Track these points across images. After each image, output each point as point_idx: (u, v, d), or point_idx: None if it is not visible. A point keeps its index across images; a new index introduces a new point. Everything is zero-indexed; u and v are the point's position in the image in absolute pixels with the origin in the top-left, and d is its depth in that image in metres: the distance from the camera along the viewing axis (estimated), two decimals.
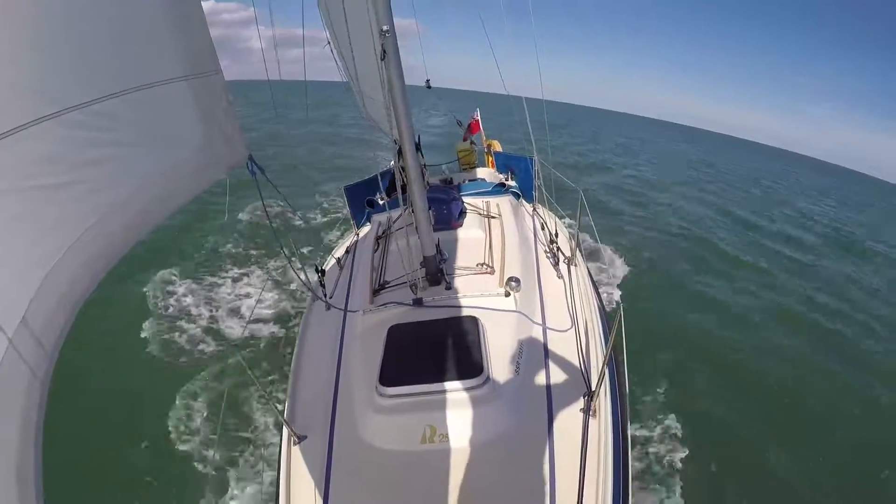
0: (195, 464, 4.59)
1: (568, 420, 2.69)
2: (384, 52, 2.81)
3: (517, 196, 5.77)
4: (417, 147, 3.34)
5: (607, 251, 9.76)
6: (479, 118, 9.46)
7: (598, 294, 4.14)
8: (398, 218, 4.24)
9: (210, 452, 4.62)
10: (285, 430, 2.80)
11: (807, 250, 15.53)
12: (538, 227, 5.13)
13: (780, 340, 8.25)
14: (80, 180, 1.41)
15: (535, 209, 5.63)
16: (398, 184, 3.49)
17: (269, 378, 5.61)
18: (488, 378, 2.72)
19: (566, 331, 3.43)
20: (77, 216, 1.41)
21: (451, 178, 7.06)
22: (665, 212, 16.93)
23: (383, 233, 4.66)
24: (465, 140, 8.92)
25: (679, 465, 4.94)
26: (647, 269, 10.34)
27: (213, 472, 4.43)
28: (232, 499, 4.29)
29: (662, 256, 11.64)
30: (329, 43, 3.71)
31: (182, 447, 4.76)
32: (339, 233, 8.84)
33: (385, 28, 2.77)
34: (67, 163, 1.37)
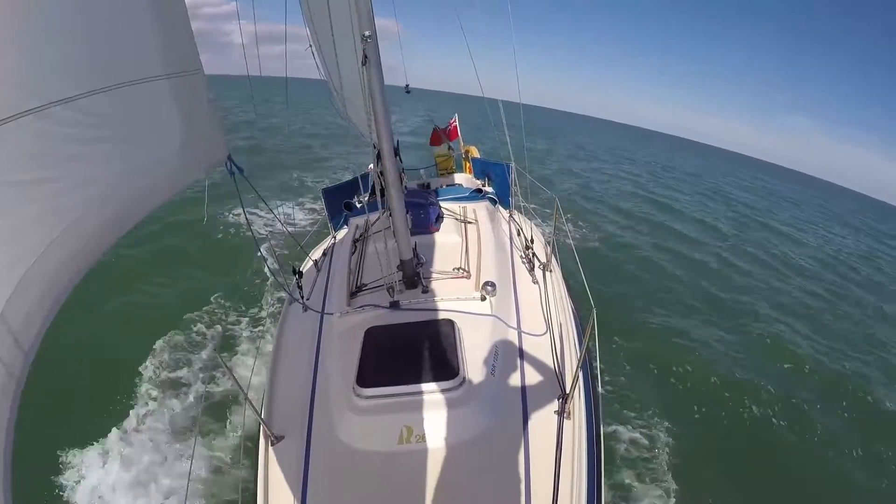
0: (172, 465, 4.53)
1: (543, 421, 2.74)
2: (366, 57, 2.83)
3: (494, 202, 5.82)
4: (396, 151, 3.37)
5: (581, 256, 9.92)
6: (457, 124, 9.49)
7: (573, 299, 4.20)
8: (376, 221, 4.25)
9: (187, 453, 4.55)
10: (263, 431, 2.80)
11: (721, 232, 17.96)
12: (514, 232, 5.18)
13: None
14: (62, 176, 1.41)
15: (511, 215, 5.68)
16: (377, 187, 3.52)
17: (247, 379, 5.57)
18: (464, 380, 2.76)
19: (541, 335, 3.49)
20: (57, 212, 1.40)
21: (429, 183, 7.09)
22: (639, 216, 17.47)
23: (361, 236, 4.67)
24: (437, 143, 8.95)
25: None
26: (619, 272, 10.70)
27: (191, 473, 4.39)
28: (211, 497, 4.24)
29: (635, 258, 12.09)
30: (311, 45, 3.71)
31: (157, 447, 4.69)
32: (316, 235, 8.82)
33: (367, 34, 2.79)
34: (49, 158, 1.36)
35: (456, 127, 9.46)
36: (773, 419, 6.41)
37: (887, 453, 6.16)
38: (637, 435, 5.45)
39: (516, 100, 5.35)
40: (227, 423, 4.98)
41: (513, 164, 5.97)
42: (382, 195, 3.49)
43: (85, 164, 1.50)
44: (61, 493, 4.25)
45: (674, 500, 4.73)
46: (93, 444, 4.67)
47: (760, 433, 6.14)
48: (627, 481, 4.86)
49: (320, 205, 6.57)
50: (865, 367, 8.69)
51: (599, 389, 2.97)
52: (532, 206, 5.80)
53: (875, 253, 23.04)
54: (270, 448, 2.74)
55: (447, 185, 6.56)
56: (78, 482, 4.35)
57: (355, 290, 3.83)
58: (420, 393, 2.70)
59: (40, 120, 1.30)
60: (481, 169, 7.86)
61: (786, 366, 8.07)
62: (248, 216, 2.92)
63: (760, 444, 5.90)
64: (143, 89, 1.74)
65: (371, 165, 3.54)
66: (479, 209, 5.19)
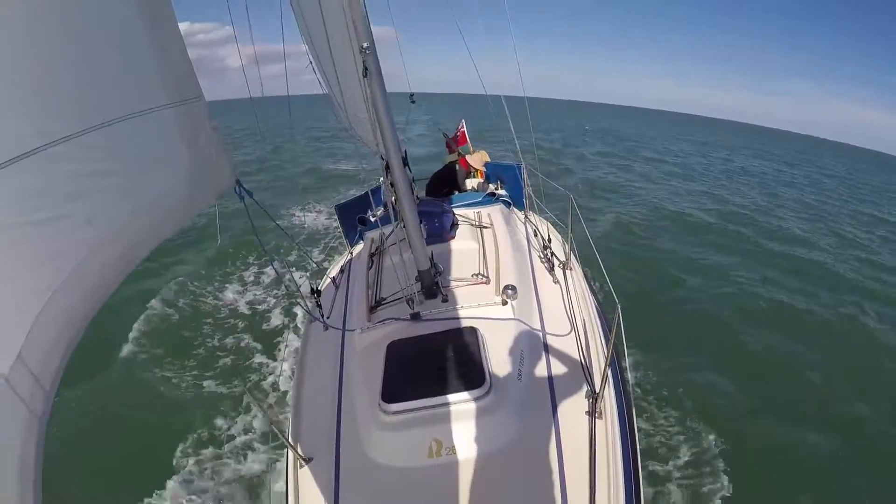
0: (197, 496, 4.53)
1: (574, 424, 2.69)
2: (366, 68, 2.81)
3: (508, 204, 5.78)
4: (405, 161, 3.35)
5: (601, 251, 9.88)
6: (465, 129, 9.48)
7: (596, 296, 4.14)
8: (390, 234, 4.24)
9: (213, 482, 4.57)
10: (290, 454, 2.78)
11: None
12: (531, 233, 5.14)
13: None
14: (71, 213, 1.40)
15: (526, 216, 5.64)
16: (388, 199, 3.50)
17: (271, 402, 5.58)
18: (491, 387, 2.71)
19: (566, 335, 3.43)
20: (69, 250, 1.39)
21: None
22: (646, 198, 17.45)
23: (377, 249, 4.65)
24: (451, 152, 8.93)
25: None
26: (641, 265, 10.52)
27: (220, 503, 4.39)
28: None
29: (655, 248, 11.93)
30: (311, 62, 3.71)
31: (184, 478, 4.70)
32: (333, 252, 8.82)
33: (365, 45, 2.77)
34: (57, 196, 1.36)
35: (464, 133, 9.45)
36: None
37: None
38: (673, 430, 5.33)
39: (519, 93, 5.32)
40: (253, 448, 4.98)
41: (524, 164, 5.92)
42: (395, 207, 3.47)
43: (92, 200, 1.49)
44: None
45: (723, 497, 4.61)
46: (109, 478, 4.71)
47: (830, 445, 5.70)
48: (665, 479, 4.74)
49: (335, 221, 6.60)
50: None
51: (630, 387, 2.91)
52: (547, 204, 5.75)
53: None
54: (299, 470, 2.72)
55: (459, 192, 6.53)
56: None
57: (375, 305, 3.81)
58: (447, 404, 2.66)
59: (44, 160, 1.29)
60: (493, 172, 7.84)
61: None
62: (260, 239, 2.91)
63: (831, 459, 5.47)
64: (145, 121, 1.73)
65: (381, 178, 3.52)
66: (494, 213, 5.15)
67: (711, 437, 5.22)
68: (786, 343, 7.76)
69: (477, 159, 6.28)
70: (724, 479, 4.74)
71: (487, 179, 7.27)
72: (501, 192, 6.46)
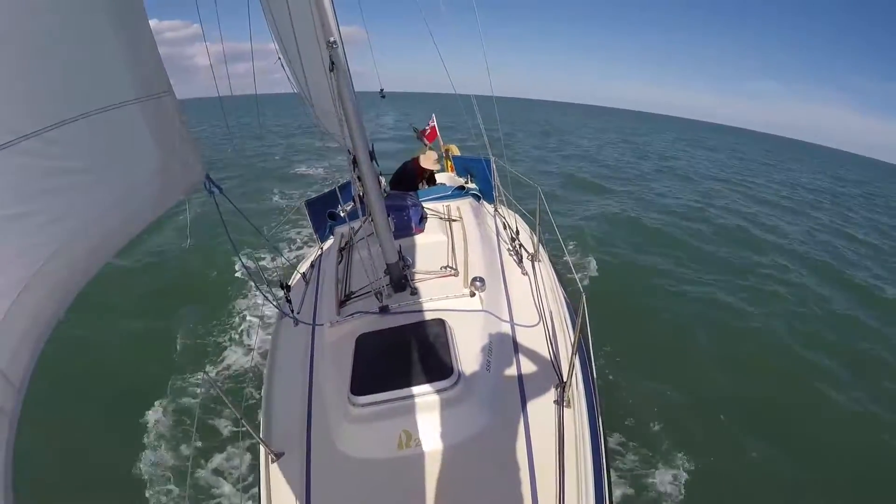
0: (170, 489, 4.53)
1: (542, 412, 2.74)
2: (332, 63, 2.83)
3: (478, 198, 5.83)
4: (372, 156, 3.36)
5: (569, 243, 10.05)
6: (435, 124, 9.51)
7: (564, 287, 4.22)
8: (359, 228, 4.25)
9: (183, 482, 4.54)
10: (262, 449, 2.78)
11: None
12: (500, 226, 5.19)
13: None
14: (40, 209, 1.40)
15: (496, 209, 5.69)
16: (355, 193, 3.51)
17: (242, 398, 5.54)
18: (459, 378, 2.75)
19: (534, 326, 3.49)
20: (38, 246, 1.39)
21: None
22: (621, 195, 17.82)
23: (346, 244, 4.66)
24: (423, 146, 8.94)
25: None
26: (607, 254, 10.73)
27: (191, 500, 4.35)
28: None
29: (622, 238, 12.17)
30: (279, 57, 3.70)
31: (154, 476, 4.67)
32: (302, 248, 8.77)
33: (332, 39, 2.78)
34: (25, 192, 1.36)
35: (434, 127, 9.48)
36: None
37: None
38: (639, 417, 5.49)
39: (488, 93, 5.38)
40: (224, 445, 4.96)
41: (493, 158, 5.98)
42: (363, 201, 3.48)
43: (61, 195, 1.49)
44: None
45: (684, 480, 4.77)
46: (82, 479, 4.65)
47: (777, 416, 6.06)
48: (633, 464, 4.88)
49: (304, 217, 6.56)
50: None
51: (594, 375, 2.97)
52: (516, 197, 5.82)
53: None
54: (271, 465, 2.72)
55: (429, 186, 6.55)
56: None
57: (344, 299, 3.82)
58: (416, 396, 2.68)
59: (11, 155, 1.29)
60: (462, 166, 7.87)
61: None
62: (230, 235, 2.90)
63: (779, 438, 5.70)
64: (115, 115, 1.73)
65: (349, 172, 3.52)
66: (463, 206, 5.20)
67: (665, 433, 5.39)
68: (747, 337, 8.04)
69: (429, 160, 6.24)
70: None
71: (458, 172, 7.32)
72: (471, 185, 6.51)
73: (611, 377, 6.10)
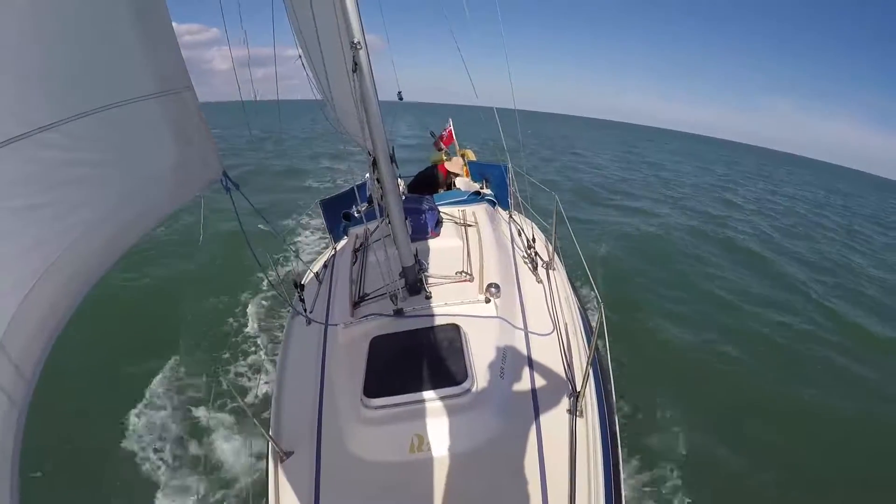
0: (178, 491, 4.50)
1: (555, 421, 2.72)
2: (356, 64, 2.82)
3: (493, 203, 5.81)
4: (392, 158, 3.36)
5: (585, 252, 10.03)
6: (451, 128, 9.50)
7: (579, 296, 4.18)
8: (375, 230, 4.24)
9: (193, 477, 4.54)
10: (271, 448, 2.77)
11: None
12: (515, 233, 5.17)
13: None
14: (56, 200, 1.40)
15: (511, 216, 5.68)
16: (374, 195, 3.50)
17: (252, 396, 5.55)
18: (472, 384, 2.74)
19: (548, 334, 3.46)
20: (54, 237, 1.39)
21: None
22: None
23: (361, 245, 4.65)
24: (438, 150, 8.94)
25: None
26: (623, 265, 10.74)
27: (199, 496, 4.36)
28: None
29: (634, 249, 12.20)
30: (301, 57, 3.70)
31: (164, 473, 4.67)
32: (317, 248, 8.79)
33: (356, 40, 2.79)
34: (42, 183, 1.35)
35: (451, 131, 9.47)
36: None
37: None
38: (655, 430, 5.43)
39: (509, 106, 5.39)
40: (237, 444, 4.95)
41: (510, 165, 5.96)
42: (380, 203, 3.47)
43: (78, 187, 1.49)
44: None
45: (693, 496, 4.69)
46: (91, 476, 4.66)
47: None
48: (647, 477, 4.81)
49: (319, 217, 6.58)
50: None
51: (612, 386, 2.94)
52: (532, 205, 5.80)
53: None
54: (280, 465, 2.71)
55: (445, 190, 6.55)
56: None
57: (358, 301, 3.81)
58: (428, 400, 2.68)
59: (28, 146, 1.28)
60: (478, 171, 7.86)
61: None
62: (245, 233, 2.89)
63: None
64: (133, 109, 1.72)
65: (368, 174, 3.52)
66: (479, 212, 5.18)
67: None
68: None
69: (456, 164, 6.27)
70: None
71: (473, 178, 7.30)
72: (487, 191, 6.50)
73: (625, 387, 6.01)
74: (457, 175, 6.52)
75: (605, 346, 2.78)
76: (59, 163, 1.41)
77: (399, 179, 3.66)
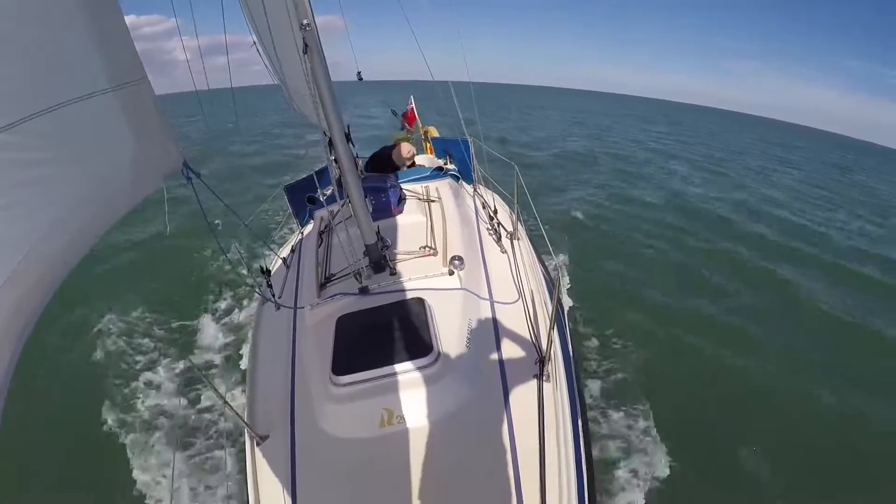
0: (155, 476, 4.56)
1: (522, 387, 2.78)
2: (306, 45, 2.83)
3: (457, 178, 5.86)
4: (348, 137, 3.36)
5: (546, 220, 10.24)
6: (413, 106, 9.49)
7: (543, 264, 4.25)
8: (338, 211, 4.25)
9: (170, 466, 4.58)
10: (247, 433, 2.81)
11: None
12: (479, 205, 5.24)
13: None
14: (15, 203, 1.40)
15: (475, 189, 5.72)
16: (332, 176, 3.50)
17: (226, 384, 5.57)
18: (439, 355, 2.79)
19: (513, 302, 3.54)
20: (14, 241, 1.39)
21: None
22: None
23: (325, 227, 4.67)
24: (402, 129, 8.95)
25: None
26: (585, 229, 11.00)
27: (176, 485, 4.39)
28: None
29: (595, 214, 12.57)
30: (255, 44, 3.67)
31: (138, 463, 4.71)
32: (283, 233, 8.76)
33: (305, 22, 2.79)
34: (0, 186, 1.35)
35: (413, 109, 9.47)
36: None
37: None
38: (618, 391, 5.53)
39: (465, 79, 5.43)
40: (211, 430, 4.99)
41: (471, 139, 6.00)
42: (340, 184, 3.48)
43: (36, 188, 1.49)
44: None
45: (664, 460, 4.81)
46: (65, 468, 4.68)
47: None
48: (613, 438, 4.94)
49: (284, 203, 6.56)
50: None
51: (570, 349, 3.01)
52: (495, 178, 5.87)
53: None
54: (256, 448, 2.75)
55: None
56: None
57: (324, 282, 3.84)
58: (396, 374, 2.72)
59: None
60: (441, 147, 7.87)
61: None
62: (209, 221, 2.90)
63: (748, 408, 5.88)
64: (88, 105, 1.71)
65: (325, 155, 3.53)
66: (443, 187, 5.22)
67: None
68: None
69: (401, 154, 6.18)
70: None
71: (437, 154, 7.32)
72: (450, 166, 6.53)
73: (591, 348, 6.20)
74: (409, 161, 6.45)
75: (568, 311, 2.85)
76: (15, 164, 1.40)
77: (357, 159, 3.66)
